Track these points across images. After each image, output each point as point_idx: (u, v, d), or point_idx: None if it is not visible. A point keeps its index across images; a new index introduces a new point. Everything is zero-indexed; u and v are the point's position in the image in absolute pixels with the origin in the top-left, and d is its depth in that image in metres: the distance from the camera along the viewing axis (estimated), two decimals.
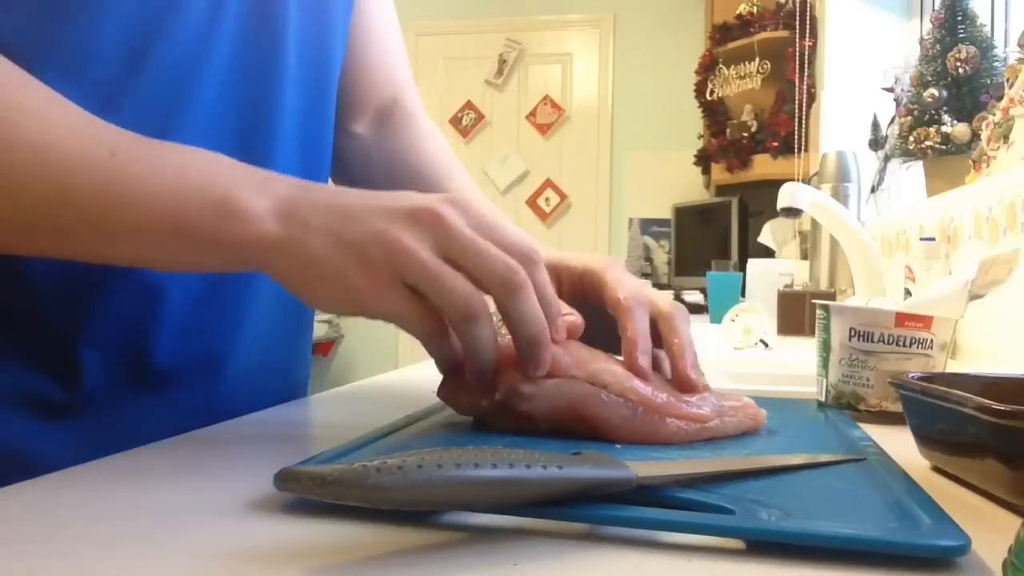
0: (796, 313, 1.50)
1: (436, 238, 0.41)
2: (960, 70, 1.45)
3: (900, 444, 0.45)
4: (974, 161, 1.24)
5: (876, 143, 1.97)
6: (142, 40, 0.50)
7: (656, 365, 0.50)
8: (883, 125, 1.95)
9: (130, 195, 0.41)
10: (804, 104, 2.75)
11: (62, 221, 0.41)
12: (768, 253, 2.58)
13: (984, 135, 1.22)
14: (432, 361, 0.46)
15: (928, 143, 1.49)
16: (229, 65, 0.55)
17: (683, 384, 0.48)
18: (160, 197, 0.41)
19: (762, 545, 0.29)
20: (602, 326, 0.50)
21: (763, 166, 3.21)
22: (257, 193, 0.42)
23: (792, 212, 1.31)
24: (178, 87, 0.53)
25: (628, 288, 0.51)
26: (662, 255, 3.95)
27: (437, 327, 0.43)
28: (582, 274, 0.54)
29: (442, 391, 0.48)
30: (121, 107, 0.49)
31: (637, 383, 0.45)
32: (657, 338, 0.50)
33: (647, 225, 4.01)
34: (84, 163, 0.40)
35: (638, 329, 0.49)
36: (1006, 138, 1.12)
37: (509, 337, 0.44)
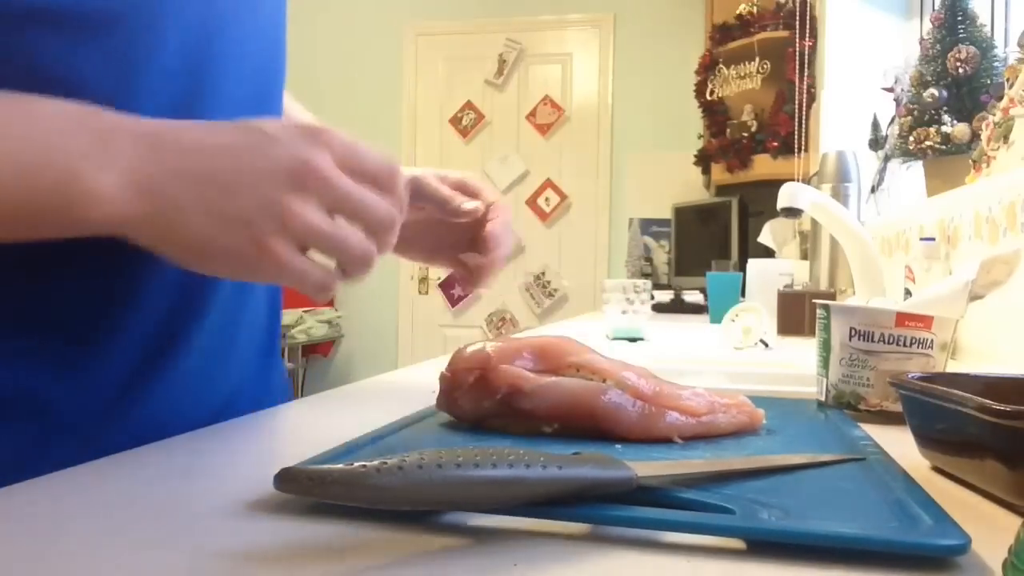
0: (796, 313, 1.50)
1: (321, 196, 0.42)
2: (960, 70, 1.45)
3: (900, 444, 0.45)
4: (974, 161, 1.24)
5: (876, 143, 1.97)
6: None
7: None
8: (883, 125, 1.94)
9: None
10: (804, 104, 2.75)
11: None
12: (768, 253, 2.58)
13: (984, 135, 1.22)
14: (432, 362, 0.47)
15: (928, 143, 1.49)
16: None
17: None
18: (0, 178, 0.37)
19: (762, 545, 0.29)
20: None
21: (763, 166, 3.20)
22: (104, 167, 0.39)
23: (792, 212, 1.30)
24: None
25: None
26: (662, 255, 3.95)
27: (330, 278, 0.44)
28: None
29: (441, 403, 0.49)
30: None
31: (631, 374, 0.46)
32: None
33: (647, 225, 4.01)
34: None
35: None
36: (1006, 138, 1.12)
37: (503, 337, 0.45)
